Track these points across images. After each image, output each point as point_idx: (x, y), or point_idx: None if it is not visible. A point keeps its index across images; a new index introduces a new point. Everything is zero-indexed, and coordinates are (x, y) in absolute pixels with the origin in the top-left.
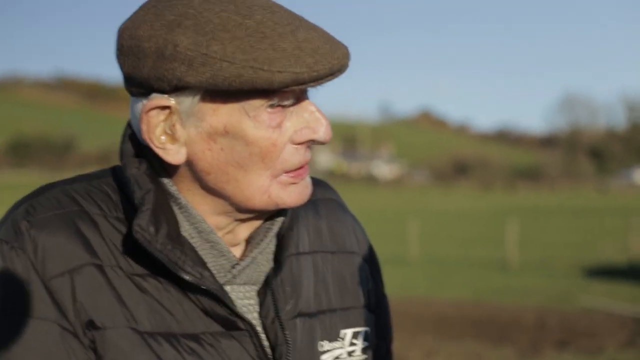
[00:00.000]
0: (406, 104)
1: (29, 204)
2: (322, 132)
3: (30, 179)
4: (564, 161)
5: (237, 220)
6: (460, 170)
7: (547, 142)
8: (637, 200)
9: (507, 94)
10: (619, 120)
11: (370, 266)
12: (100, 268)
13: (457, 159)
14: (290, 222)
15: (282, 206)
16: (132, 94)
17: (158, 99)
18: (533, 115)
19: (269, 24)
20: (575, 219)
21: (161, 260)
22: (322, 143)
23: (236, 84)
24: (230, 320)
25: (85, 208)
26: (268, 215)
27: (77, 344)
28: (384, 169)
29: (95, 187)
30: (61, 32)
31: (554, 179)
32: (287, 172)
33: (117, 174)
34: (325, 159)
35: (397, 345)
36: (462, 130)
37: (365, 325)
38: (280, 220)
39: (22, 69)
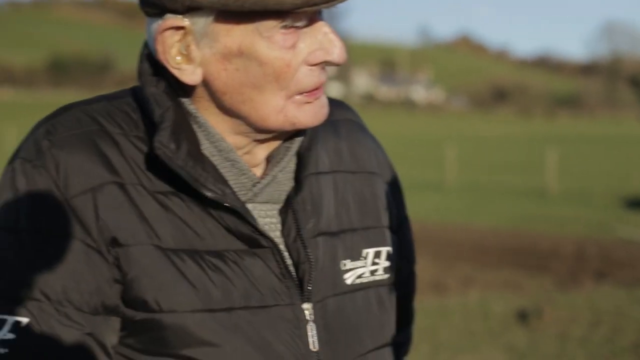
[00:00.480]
0: (445, 28)
1: (50, 123)
2: (336, 53)
3: (68, 98)
4: (605, 89)
5: (255, 140)
6: (499, 96)
7: (588, 69)
8: None
9: (548, 20)
10: None
11: (392, 187)
12: (122, 186)
13: (496, 85)
14: (310, 142)
15: (298, 126)
16: (147, 14)
17: (172, 19)
18: (574, 42)
19: None
20: (614, 148)
21: (183, 176)
22: (336, 64)
23: (248, 5)
24: (253, 238)
25: (106, 127)
26: (286, 136)
27: (101, 260)
28: (423, 94)
29: (115, 107)
30: None
31: (594, 107)
32: (301, 93)
33: (136, 94)
34: (364, 82)
35: (434, 272)
36: (501, 56)
37: (387, 245)
38: (299, 139)
39: None
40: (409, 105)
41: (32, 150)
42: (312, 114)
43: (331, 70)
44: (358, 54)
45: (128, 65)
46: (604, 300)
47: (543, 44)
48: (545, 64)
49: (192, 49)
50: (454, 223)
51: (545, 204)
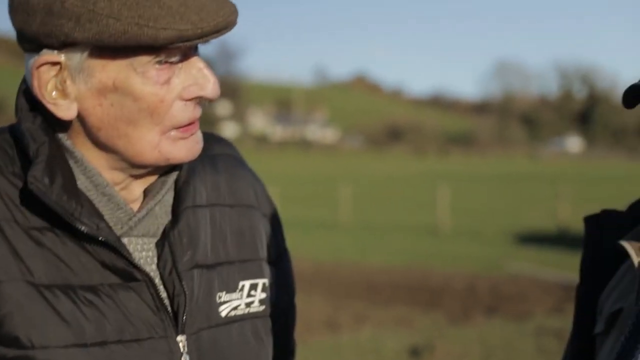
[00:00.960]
0: (341, 68)
1: None
2: (209, 88)
3: None
4: (497, 127)
5: (132, 176)
6: (393, 135)
7: (480, 108)
8: (567, 168)
9: (441, 60)
10: (552, 87)
11: (271, 220)
12: None
13: (391, 124)
14: (187, 176)
15: (172, 161)
16: (25, 50)
17: (48, 55)
18: (466, 81)
19: None
20: (506, 185)
21: (57, 211)
22: (210, 100)
23: (122, 41)
24: (127, 271)
25: None
26: (162, 170)
27: None
28: (318, 133)
29: None
30: None
31: (486, 145)
32: (176, 128)
33: (14, 130)
34: (259, 122)
35: (327, 310)
36: (396, 95)
37: (264, 277)
38: (176, 173)
39: None
40: (304, 144)
41: None
42: (186, 149)
43: (226, 109)
44: (254, 93)
45: None
46: (495, 334)
47: (436, 83)
48: (439, 103)
49: (67, 84)
50: (347, 261)
51: (437, 241)
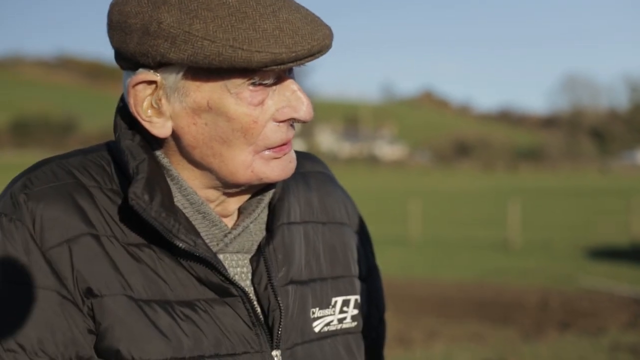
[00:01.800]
0: (408, 84)
1: (27, 177)
2: (303, 111)
3: (31, 159)
4: (566, 142)
5: (225, 193)
6: (462, 150)
7: (549, 122)
8: (638, 181)
9: (509, 74)
10: (621, 101)
11: (361, 237)
12: (96, 238)
13: (459, 140)
14: (282, 193)
15: (265, 181)
16: (122, 68)
17: (144, 74)
18: (535, 95)
19: (251, 4)
20: (576, 200)
21: (156, 227)
22: (303, 122)
23: (216, 62)
24: (223, 287)
25: (81, 180)
26: (257, 189)
27: (76, 311)
28: (386, 150)
29: (90, 161)
30: (62, 11)
31: (555, 159)
32: (269, 148)
33: (111, 148)
34: (327, 139)
35: (399, 326)
36: (464, 111)
37: (356, 293)
38: (271, 191)
39: (23, 47)
40: (372, 161)
41: (8, 203)
42: (279, 169)
43: (295, 128)
44: (322, 111)
45: (91, 125)
46: (568, 350)
47: (504, 97)
48: (506, 118)
49: (162, 103)
50: (418, 277)
51: (508, 257)
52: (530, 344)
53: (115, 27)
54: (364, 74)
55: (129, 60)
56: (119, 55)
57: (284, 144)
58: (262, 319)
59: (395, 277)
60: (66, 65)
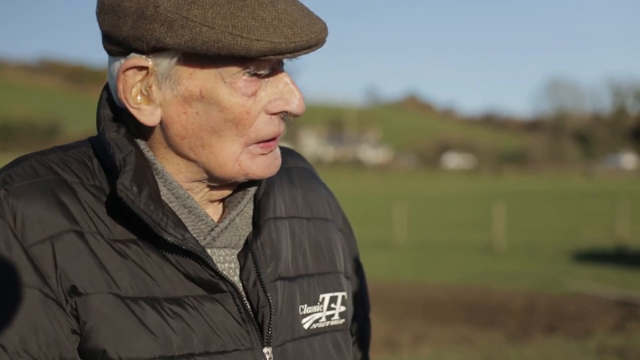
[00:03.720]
0: (392, 87)
1: (6, 174)
2: (295, 104)
3: None
4: (550, 145)
5: (209, 186)
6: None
7: (533, 126)
8: (623, 184)
9: (493, 78)
10: (605, 104)
11: (345, 234)
12: (80, 234)
13: (443, 143)
14: (267, 188)
15: (251, 177)
16: (110, 53)
17: (136, 59)
18: (519, 99)
19: None
20: (561, 203)
21: (144, 220)
22: (295, 115)
23: (214, 49)
24: (212, 283)
25: (63, 176)
26: (238, 184)
27: (59, 311)
28: (371, 153)
29: (71, 156)
30: (45, 15)
31: (539, 163)
32: (258, 141)
33: (92, 144)
34: (312, 143)
35: (387, 330)
36: (448, 114)
37: (343, 290)
38: (256, 185)
39: (6, 52)
40: (357, 164)
41: None
42: (265, 165)
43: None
44: (306, 114)
45: (75, 129)
46: (555, 353)
47: (488, 101)
48: (490, 121)
49: (153, 90)
50: (404, 281)
51: (494, 260)
52: (517, 347)
53: (108, 10)
54: (349, 78)
55: (120, 45)
56: (110, 40)
57: (273, 139)
58: (252, 316)
59: (381, 280)
60: (49, 69)
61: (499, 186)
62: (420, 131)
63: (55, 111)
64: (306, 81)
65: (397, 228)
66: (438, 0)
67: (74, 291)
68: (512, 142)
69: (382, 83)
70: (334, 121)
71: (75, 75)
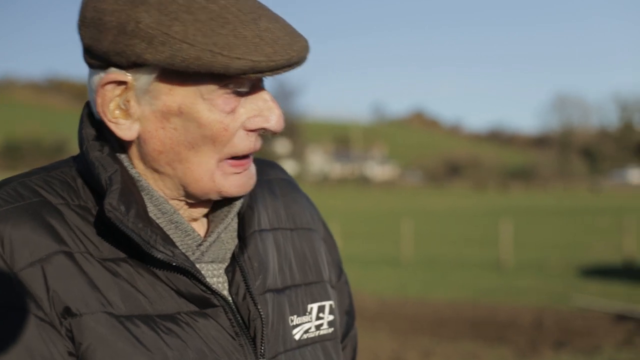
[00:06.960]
0: (398, 104)
1: None
2: (274, 121)
3: None
4: (557, 161)
5: (188, 204)
6: (453, 170)
7: (540, 142)
8: (630, 200)
9: (499, 94)
10: (611, 120)
11: (327, 243)
12: (69, 255)
13: (450, 160)
14: (250, 201)
15: (225, 194)
16: (91, 67)
17: (115, 74)
18: (525, 115)
19: (232, 10)
20: (568, 219)
21: (134, 239)
22: (273, 132)
23: (194, 67)
24: (204, 298)
25: (47, 198)
26: (213, 203)
27: (54, 334)
28: (377, 170)
29: (54, 177)
30: (53, 34)
31: (546, 179)
32: (233, 157)
33: (75, 163)
34: (319, 160)
35: (394, 346)
36: (454, 131)
37: (330, 299)
38: (240, 199)
39: (14, 70)
40: (363, 181)
41: None
42: (239, 184)
43: (285, 148)
44: (313, 132)
45: None
46: None
47: (495, 117)
48: (497, 138)
49: (131, 105)
50: (411, 297)
51: (501, 276)
52: None
53: (89, 24)
54: (355, 95)
55: (100, 59)
56: (90, 53)
57: (246, 157)
58: (245, 329)
59: (388, 297)
60: (57, 87)
61: (506, 203)
62: (426, 148)
63: (63, 130)
64: (312, 99)
65: (403, 244)
66: (444, 17)
67: (67, 312)
68: (519, 158)
69: (388, 100)
70: (341, 138)
71: (83, 94)
